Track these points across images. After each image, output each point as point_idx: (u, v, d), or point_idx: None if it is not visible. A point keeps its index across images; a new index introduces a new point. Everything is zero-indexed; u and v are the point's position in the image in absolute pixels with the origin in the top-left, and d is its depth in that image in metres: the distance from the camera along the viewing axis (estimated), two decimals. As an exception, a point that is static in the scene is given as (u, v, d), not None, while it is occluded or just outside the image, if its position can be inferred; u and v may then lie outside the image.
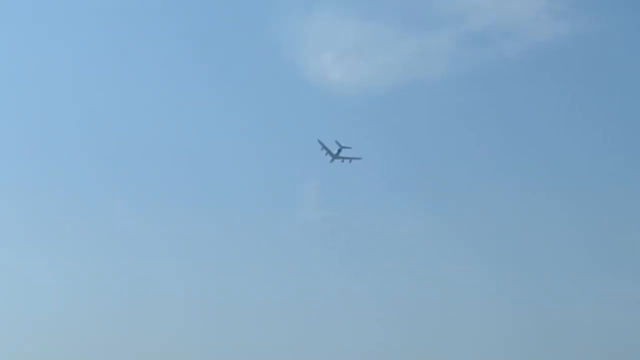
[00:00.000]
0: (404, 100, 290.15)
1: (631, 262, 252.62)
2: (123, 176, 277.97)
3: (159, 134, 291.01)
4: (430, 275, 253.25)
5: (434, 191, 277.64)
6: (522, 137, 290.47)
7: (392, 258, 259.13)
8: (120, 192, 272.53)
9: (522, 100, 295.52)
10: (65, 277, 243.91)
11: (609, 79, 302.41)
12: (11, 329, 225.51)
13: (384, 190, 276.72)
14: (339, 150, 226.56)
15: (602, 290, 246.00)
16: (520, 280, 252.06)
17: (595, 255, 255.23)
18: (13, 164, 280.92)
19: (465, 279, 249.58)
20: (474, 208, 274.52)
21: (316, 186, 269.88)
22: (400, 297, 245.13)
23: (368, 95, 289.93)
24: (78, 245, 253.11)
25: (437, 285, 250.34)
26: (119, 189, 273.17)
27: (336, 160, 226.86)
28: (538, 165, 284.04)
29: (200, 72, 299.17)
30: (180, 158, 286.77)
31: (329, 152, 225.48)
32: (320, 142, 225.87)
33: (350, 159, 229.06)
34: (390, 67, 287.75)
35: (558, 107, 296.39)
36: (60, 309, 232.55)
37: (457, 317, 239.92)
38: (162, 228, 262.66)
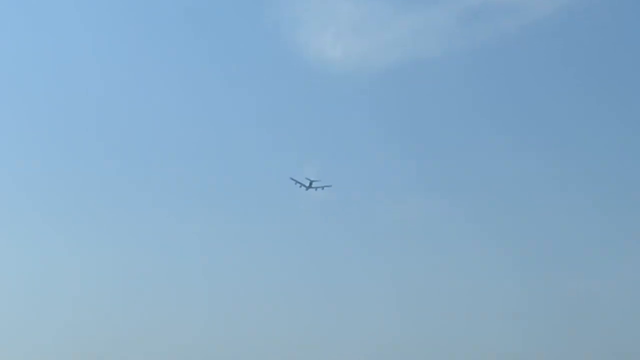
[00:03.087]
0: (403, 78, 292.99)
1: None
2: (133, 165, 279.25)
3: (159, 117, 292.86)
4: (437, 255, 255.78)
5: (436, 170, 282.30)
6: (524, 113, 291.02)
7: (396, 238, 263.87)
8: (131, 182, 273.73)
9: (523, 76, 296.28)
10: (89, 270, 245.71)
11: (611, 53, 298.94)
12: (37, 322, 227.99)
13: (386, 171, 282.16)
14: (310, 183, 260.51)
15: (617, 267, 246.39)
16: (530, 259, 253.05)
17: (607, 232, 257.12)
18: (36, 161, 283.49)
19: (473, 257, 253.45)
20: (477, 186, 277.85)
21: (318, 167, 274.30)
22: (407, 277, 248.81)
23: (367, 73, 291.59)
24: (100, 239, 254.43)
25: (444, 265, 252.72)
26: (134, 180, 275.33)
27: (310, 189, 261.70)
28: (543, 141, 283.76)
29: (200, 53, 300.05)
30: (182, 141, 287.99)
31: (302, 185, 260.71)
32: (292, 179, 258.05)
33: (323, 187, 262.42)
34: (389, 44, 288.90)
35: (559, 82, 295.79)
36: (84, 302, 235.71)
37: (464, 296, 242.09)
38: (174, 216, 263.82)
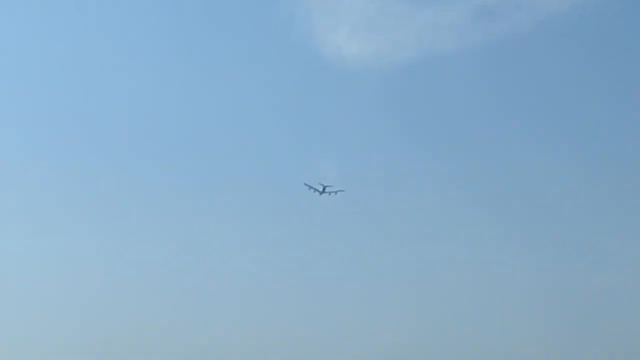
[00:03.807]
0: (419, 74, 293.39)
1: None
2: (145, 164, 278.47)
3: (172, 114, 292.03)
4: (454, 249, 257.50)
5: (451, 164, 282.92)
6: (539, 109, 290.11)
7: (413, 232, 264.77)
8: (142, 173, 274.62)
9: (538, 72, 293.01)
10: (107, 264, 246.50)
11: (627, 48, 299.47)
12: (54, 319, 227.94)
13: (401, 165, 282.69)
14: (324, 189, 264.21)
15: (635, 262, 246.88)
16: (548, 252, 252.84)
17: (626, 226, 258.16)
18: (53, 158, 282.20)
19: (490, 250, 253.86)
20: (492, 179, 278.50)
21: (335, 161, 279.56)
22: (424, 271, 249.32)
23: (383, 69, 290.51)
24: (118, 236, 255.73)
25: (462, 259, 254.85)
26: (149, 172, 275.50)
27: (324, 194, 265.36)
28: (559, 135, 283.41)
29: (214, 49, 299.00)
30: (195, 138, 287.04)
31: (316, 190, 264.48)
32: (306, 184, 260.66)
33: (336, 192, 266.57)
34: (405, 40, 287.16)
35: (574, 77, 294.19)
36: (103, 295, 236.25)
37: (483, 289, 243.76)
38: (192, 213, 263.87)
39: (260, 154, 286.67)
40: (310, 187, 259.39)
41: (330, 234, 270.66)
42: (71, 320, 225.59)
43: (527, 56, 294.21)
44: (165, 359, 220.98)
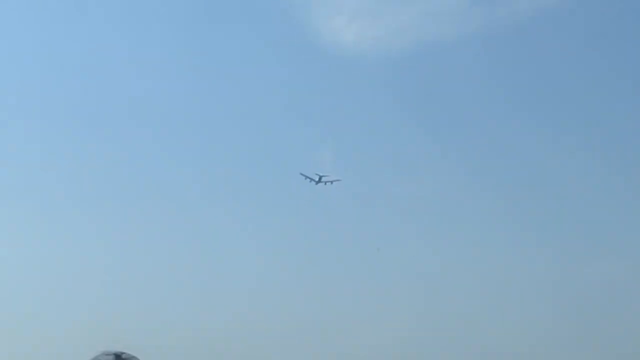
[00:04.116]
0: (419, 60, 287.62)
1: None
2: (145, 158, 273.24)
3: (169, 106, 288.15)
4: (456, 234, 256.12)
5: (451, 151, 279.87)
6: (541, 94, 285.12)
7: (413, 217, 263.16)
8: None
9: (540, 58, 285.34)
10: (111, 254, 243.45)
11: (633, 33, 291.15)
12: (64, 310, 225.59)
13: (400, 151, 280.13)
14: (320, 178, 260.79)
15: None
16: (554, 240, 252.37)
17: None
18: (68, 149, 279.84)
19: (494, 237, 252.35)
20: (493, 167, 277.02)
21: (331, 150, 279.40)
22: (425, 258, 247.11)
23: (382, 56, 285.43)
24: (117, 231, 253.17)
25: (459, 247, 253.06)
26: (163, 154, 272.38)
27: (320, 184, 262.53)
28: (562, 121, 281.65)
29: (210, 37, 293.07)
30: (192, 124, 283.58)
31: (312, 179, 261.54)
32: (302, 174, 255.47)
33: (332, 181, 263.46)
34: (404, 27, 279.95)
35: (577, 63, 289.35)
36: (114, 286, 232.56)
37: (480, 277, 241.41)
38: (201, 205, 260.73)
39: (255, 142, 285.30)
40: (307, 177, 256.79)
41: (327, 223, 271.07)
42: (77, 314, 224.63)
43: (528, 43, 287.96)
44: (173, 345, 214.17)
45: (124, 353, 15.20)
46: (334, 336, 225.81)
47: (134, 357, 15.23)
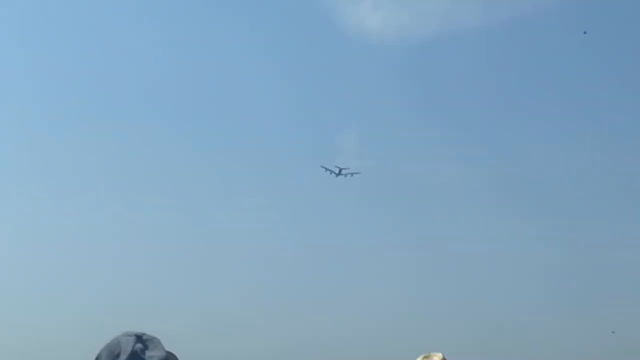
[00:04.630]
0: (442, 49, 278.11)
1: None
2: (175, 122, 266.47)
3: (195, 84, 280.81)
4: (472, 224, 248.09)
5: (473, 140, 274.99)
6: (565, 85, 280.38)
7: (431, 206, 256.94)
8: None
9: (564, 46, 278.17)
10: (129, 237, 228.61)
11: (633, 37, 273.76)
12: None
13: (423, 139, 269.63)
14: (340, 171, 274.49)
15: None
16: (566, 231, 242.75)
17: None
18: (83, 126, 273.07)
19: (508, 227, 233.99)
20: (512, 157, 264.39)
21: (355, 136, 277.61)
22: (440, 247, 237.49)
23: (407, 44, 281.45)
24: (141, 209, 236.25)
25: (476, 233, 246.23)
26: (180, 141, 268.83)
27: (340, 176, 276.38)
28: (584, 115, 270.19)
29: (235, 24, 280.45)
30: (210, 109, 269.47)
31: (332, 172, 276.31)
32: (323, 166, 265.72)
33: (352, 174, 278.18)
34: (429, 14, 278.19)
35: (602, 52, 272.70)
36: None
37: (501, 266, 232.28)
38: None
39: (278, 128, 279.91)
40: (327, 169, 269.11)
41: (346, 206, 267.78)
42: (83, 295, 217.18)
43: (553, 31, 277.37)
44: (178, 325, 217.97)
45: (144, 334, 15.12)
46: (349, 332, 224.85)
47: (154, 337, 15.17)
